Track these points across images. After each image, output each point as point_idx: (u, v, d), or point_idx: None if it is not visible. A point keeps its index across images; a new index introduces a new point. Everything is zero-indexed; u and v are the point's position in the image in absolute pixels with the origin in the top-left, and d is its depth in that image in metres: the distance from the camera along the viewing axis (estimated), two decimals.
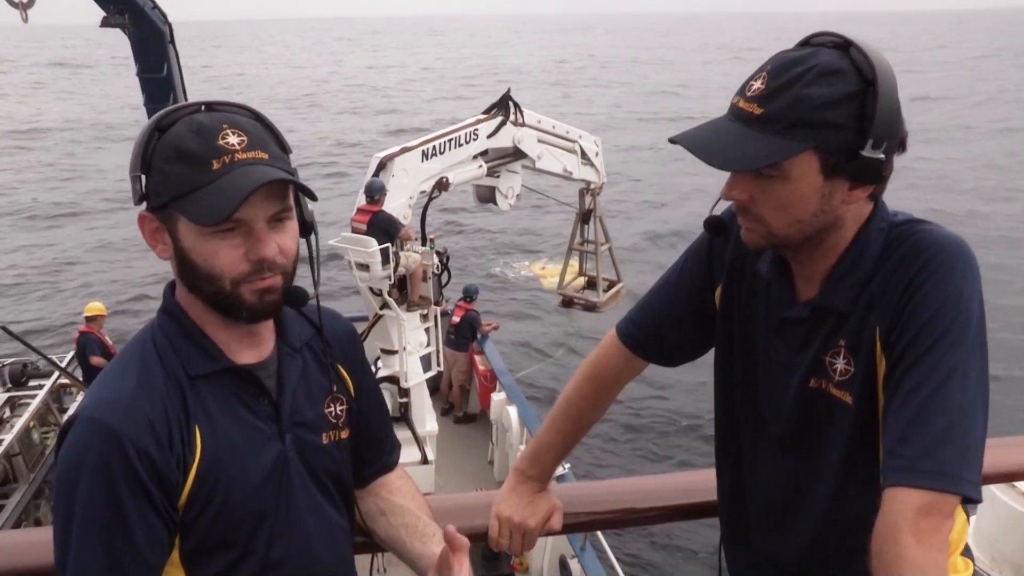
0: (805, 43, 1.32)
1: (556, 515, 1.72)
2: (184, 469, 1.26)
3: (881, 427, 1.30)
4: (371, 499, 1.60)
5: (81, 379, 9.35)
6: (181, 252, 1.27)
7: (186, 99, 6.75)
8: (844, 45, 1.28)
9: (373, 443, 1.59)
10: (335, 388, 1.47)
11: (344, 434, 1.47)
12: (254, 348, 1.37)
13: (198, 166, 1.21)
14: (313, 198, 1.33)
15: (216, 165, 1.21)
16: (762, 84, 1.27)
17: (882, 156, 1.26)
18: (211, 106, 1.29)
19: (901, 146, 1.31)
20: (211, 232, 1.23)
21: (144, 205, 1.28)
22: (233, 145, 1.22)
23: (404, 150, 8.08)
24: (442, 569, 1.37)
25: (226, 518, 1.29)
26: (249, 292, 1.27)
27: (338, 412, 1.46)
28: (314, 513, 1.41)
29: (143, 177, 1.25)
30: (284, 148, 1.32)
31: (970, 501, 1.23)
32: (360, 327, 8.91)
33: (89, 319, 9.71)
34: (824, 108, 1.23)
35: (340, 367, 1.50)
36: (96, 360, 9.45)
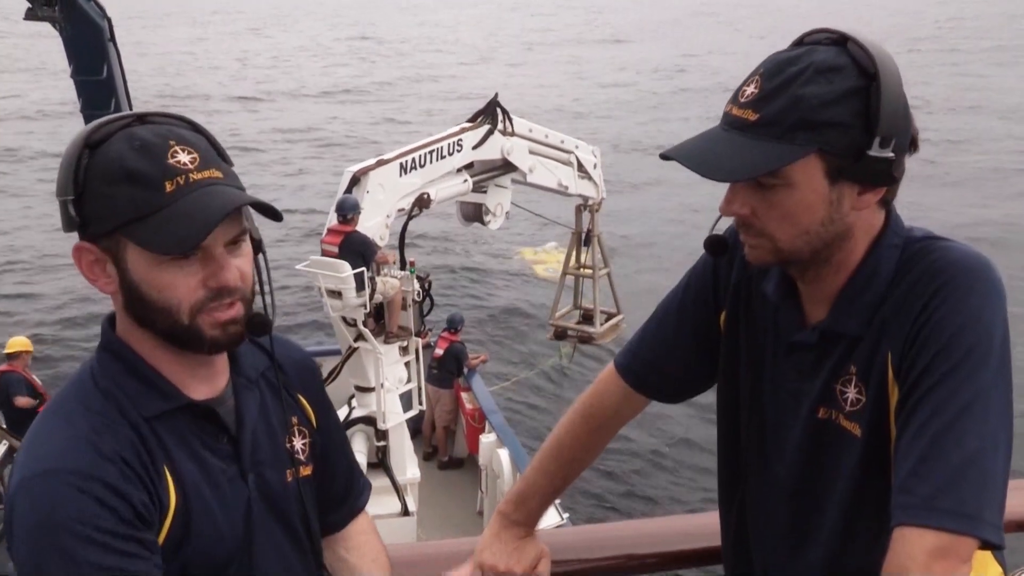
0: (799, 42, 1.37)
1: (544, 562, 1.74)
2: (161, 513, 1.26)
3: (892, 461, 1.32)
4: (327, 554, 1.59)
5: (3, 425, 9.20)
6: (131, 284, 1.27)
7: (130, 103, 6.70)
8: (841, 40, 1.33)
9: (338, 485, 1.61)
10: (296, 420, 1.49)
11: (307, 470, 1.49)
12: (208, 382, 1.38)
13: (149, 188, 1.21)
14: (279, 219, 1.35)
15: (170, 187, 1.22)
16: (755, 88, 1.31)
17: (891, 155, 1.30)
18: (145, 118, 1.29)
19: (912, 145, 1.35)
20: (167, 260, 1.24)
21: (76, 234, 1.28)
22: (185, 164, 1.23)
23: (380, 163, 8.14)
24: None
25: (191, 571, 1.29)
26: (209, 325, 1.28)
27: (300, 446, 1.48)
28: (279, 561, 1.43)
29: (74, 201, 1.24)
30: (228, 162, 1.35)
31: (990, 546, 1.24)
32: (332, 362, 8.92)
33: (11, 356, 9.50)
34: (824, 107, 1.27)
35: (301, 398, 1.53)
36: (23, 401, 9.24)
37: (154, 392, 1.32)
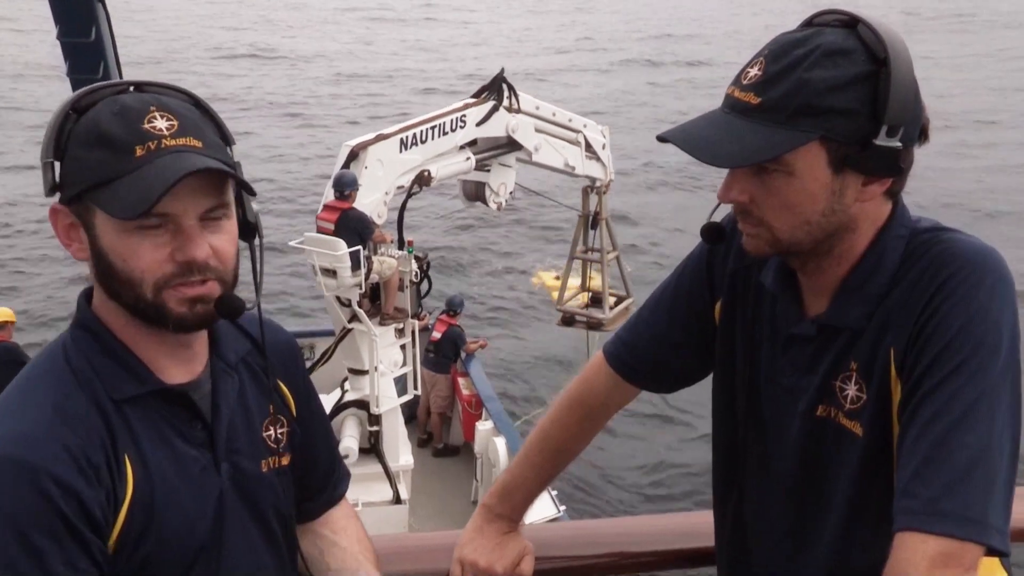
0: (808, 23, 1.36)
1: (527, 560, 1.74)
2: (115, 507, 1.25)
3: (895, 462, 1.31)
4: (310, 538, 1.61)
5: None
6: (99, 252, 1.27)
7: (120, 68, 6.66)
8: (851, 23, 1.32)
9: (319, 473, 1.61)
10: (274, 408, 1.48)
11: (285, 460, 1.49)
12: (185, 364, 1.37)
13: (118, 152, 1.21)
14: (251, 193, 1.34)
15: (140, 152, 1.21)
16: (759, 70, 1.30)
17: (899, 145, 1.29)
18: (141, 86, 1.30)
19: (922, 135, 1.34)
20: (133, 228, 1.23)
21: (56, 197, 1.29)
22: (160, 130, 1.23)
23: (379, 138, 8.13)
24: None
25: (156, 564, 1.29)
26: (175, 301, 1.27)
27: (278, 435, 1.48)
28: (250, 555, 1.42)
29: (56, 164, 1.26)
30: (226, 138, 1.34)
31: (995, 553, 1.23)
32: (325, 342, 8.93)
33: None
34: (830, 92, 1.26)
35: (280, 384, 1.53)
36: None
37: (127, 374, 1.31)
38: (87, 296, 1.37)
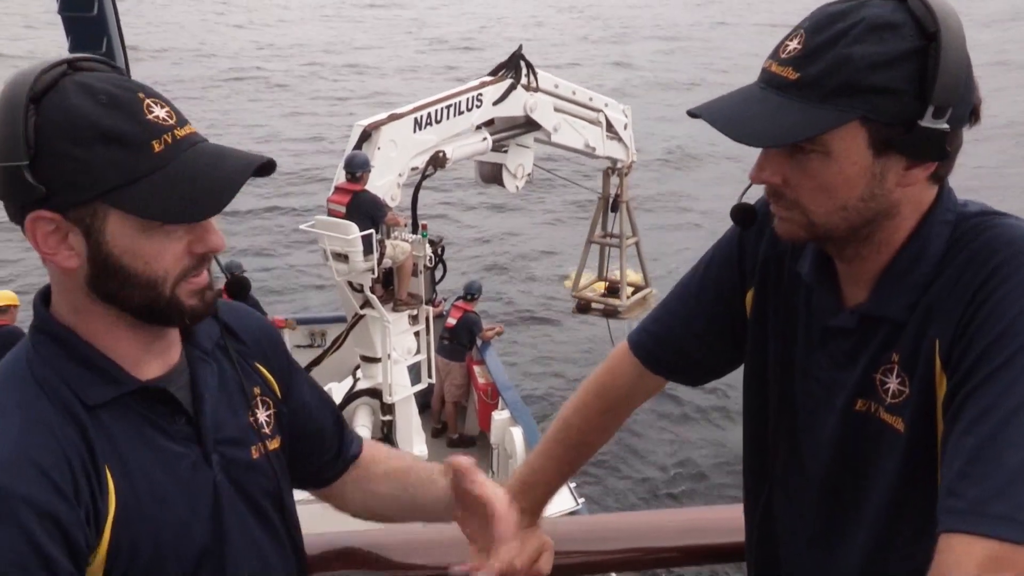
0: None
1: (545, 556, 1.72)
2: (98, 524, 1.21)
3: (939, 461, 1.28)
4: (348, 488, 1.66)
5: None
6: (107, 256, 1.22)
7: (123, 45, 6.66)
8: None
9: (328, 440, 1.62)
10: (257, 390, 1.47)
11: (275, 444, 1.47)
12: (160, 356, 1.34)
13: (134, 149, 1.18)
14: (270, 173, 1.29)
15: (157, 147, 1.19)
16: (799, 44, 1.27)
17: (946, 127, 1.25)
18: (75, 65, 1.23)
19: (973, 115, 1.30)
20: (155, 228, 1.21)
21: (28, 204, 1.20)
22: (165, 120, 1.21)
23: (392, 117, 8.14)
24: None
25: (156, 572, 1.27)
26: (188, 294, 1.26)
27: (264, 419, 1.47)
28: (252, 547, 1.41)
29: (30, 167, 1.16)
30: None
31: None
32: (337, 329, 8.95)
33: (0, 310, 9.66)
34: (873, 70, 1.23)
35: (260, 367, 1.51)
36: None
37: (99, 377, 1.27)
38: (44, 298, 1.31)
